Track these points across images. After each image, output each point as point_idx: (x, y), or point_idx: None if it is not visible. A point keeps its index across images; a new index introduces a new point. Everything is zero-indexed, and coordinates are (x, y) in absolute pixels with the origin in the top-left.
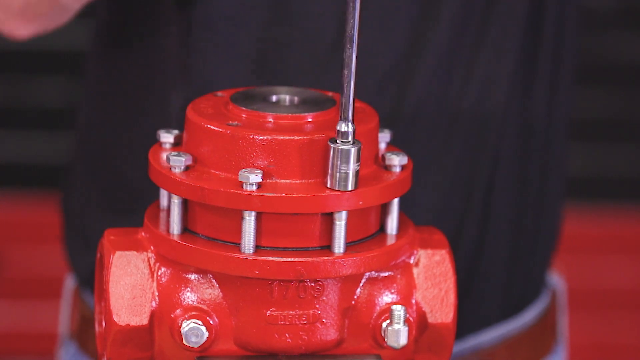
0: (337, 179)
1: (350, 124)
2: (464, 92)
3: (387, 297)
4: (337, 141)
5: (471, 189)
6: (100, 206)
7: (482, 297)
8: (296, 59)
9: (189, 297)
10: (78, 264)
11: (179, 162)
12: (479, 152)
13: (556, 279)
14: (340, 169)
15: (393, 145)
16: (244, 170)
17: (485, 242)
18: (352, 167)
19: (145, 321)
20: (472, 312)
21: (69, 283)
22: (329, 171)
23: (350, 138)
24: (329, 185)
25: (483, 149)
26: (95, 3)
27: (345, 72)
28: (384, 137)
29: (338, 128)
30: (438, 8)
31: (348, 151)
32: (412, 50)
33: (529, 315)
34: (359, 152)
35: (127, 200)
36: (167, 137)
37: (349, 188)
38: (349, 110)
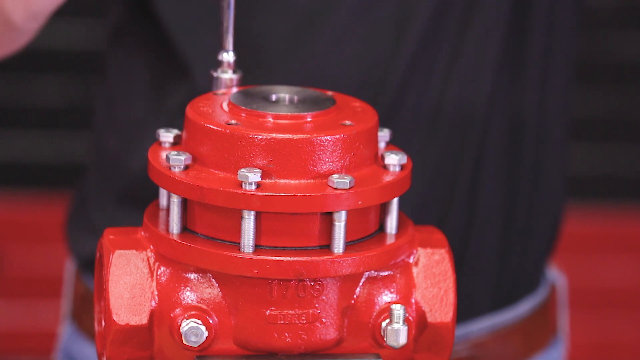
0: None
1: (231, 53)
2: (447, 85)
3: (386, 297)
4: (218, 70)
5: (455, 182)
6: (106, 196)
7: (469, 288)
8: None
9: (189, 296)
10: (79, 248)
11: (178, 162)
12: (462, 145)
13: (556, 275)
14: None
15: (393, 145)
16: (243, 170)
17: (471, 236)
18: None
19: (144, 320)
20: (460, 302)
21: (70, 267)
22: None
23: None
24: None
25: (467, 143)
26: (109, 6)
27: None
28: (384, 136)
29: (219, 58)
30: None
31: (230, 80)
32: (392, 41)
33: (521, 308)
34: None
35: (133, 193)
36: (166, 136)
37: None
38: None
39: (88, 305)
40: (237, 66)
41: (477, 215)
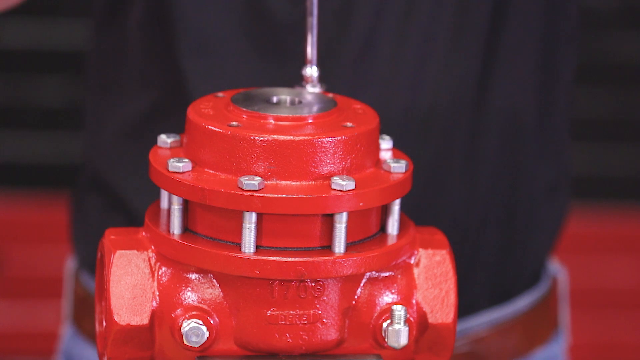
0: None
1: (314, 67)
2: (436, 89)
3: (387, 297)
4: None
5: (449, 180)
6: (100, 200)
7: (467, 284)
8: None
9: (190, 296)
10: (79, 245)
11: (179, 163)
12: (454, 141)
13: (557, 268)
14: None
15: (394, 147)
16: (244, 171)
17: (469, 232)
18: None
19: (145, 321)
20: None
21: (70, 267)
22: None
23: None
24: None
25: (457, 139)
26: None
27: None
28: (385, 138)
29: (302, 72)
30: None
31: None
32: (364, 48)
33: (521, 303)
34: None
35: (126, 199)
36: (167, 138)
37: None
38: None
39: (87, 308)
40: (321, 80)
41: (475, 211)
